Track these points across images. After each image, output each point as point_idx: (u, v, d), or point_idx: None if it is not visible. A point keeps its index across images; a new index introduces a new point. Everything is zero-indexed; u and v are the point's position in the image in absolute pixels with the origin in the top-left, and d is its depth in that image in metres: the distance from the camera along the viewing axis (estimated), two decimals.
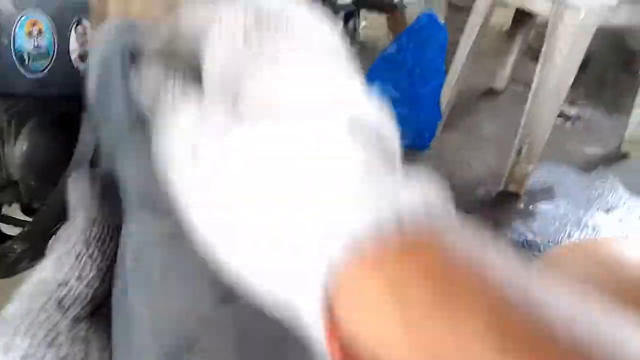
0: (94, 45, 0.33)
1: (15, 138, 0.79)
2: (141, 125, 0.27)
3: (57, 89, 0.71)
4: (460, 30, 2.04)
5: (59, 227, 0.87)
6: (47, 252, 0.25)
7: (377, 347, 0.18)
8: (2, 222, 0.97)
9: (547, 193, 1.90)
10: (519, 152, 1.78)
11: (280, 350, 0.24)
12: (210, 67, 0.23)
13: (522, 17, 2.37)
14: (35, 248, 0.88)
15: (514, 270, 0.18)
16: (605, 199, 1.91)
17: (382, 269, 0.18)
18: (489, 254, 0.19)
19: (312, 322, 0.20)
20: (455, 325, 0.17)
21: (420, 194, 0.20)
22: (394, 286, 0.18)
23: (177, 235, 0.25)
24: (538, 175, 1.95)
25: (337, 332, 0.19)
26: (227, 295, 0.24)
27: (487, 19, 1.93)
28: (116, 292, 0.26)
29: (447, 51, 1.95)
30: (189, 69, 0.25)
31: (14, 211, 0.99)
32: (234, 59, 0.23)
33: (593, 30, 1.64)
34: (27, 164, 0.80)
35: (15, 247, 0.84)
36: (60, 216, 0.85)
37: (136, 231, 0.25)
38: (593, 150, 2.21)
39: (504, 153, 1.88)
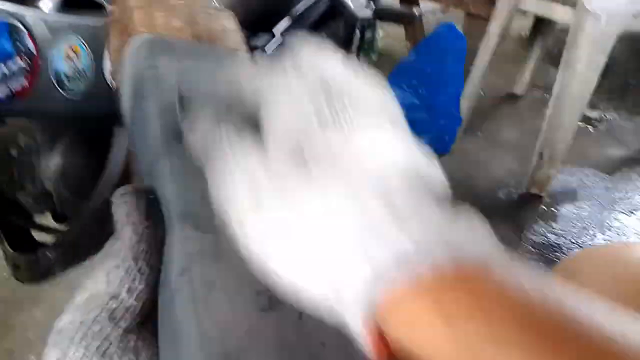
0: (125, 60, 0.33)
1: (50, 153, 0.84)
2: (177, 145, 0.28)
3: (92, 108, 0.74)
4: (479, 38, 2.05)
5: (89, 237, 0.91)
6: (95, 265, 0.27)
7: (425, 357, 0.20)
8: (35, 229, 1.01)
9: (569, 195, 1.89)
10: (541, 155, 1.77)
11: (319, 357, 0.25)
12: (274, 124, 0.25)
13: (541, 23, 2.37)
14: (66, 256, 0.92)
15: (554, 295, 0.20)
16: (629, 201, 1.89)
17: (432, 291, 0.20)
18: (531, 281, 0.20)
19: (357, 332, 0.22)
20: (501, 347, 0.18)
21: (469, 228, 0.22)
22: (444, 306, 0.20)
23: (219, 251, 0.26)
24: (561, 178, 1.94)
25: (384, 343, 0.21)
26: (269, 305, 0.25)
27: (506, 26, 1.93)
28: (162, 304, 0.26)
29: (466, 58, 1.95)
30: (243, 122, 0.27)
31: (46, 219, 1.03)
32: (300, 120, 0.25)
33: (614, 37, 1.63)
34: (61, 177, 0.84)
35: (49, 254, 0.89)
36: (92, 227, 0.89)
37: (180, 246, 0.26)
38: (615, 152, 2.19)
39: (525, 157, 1.88)
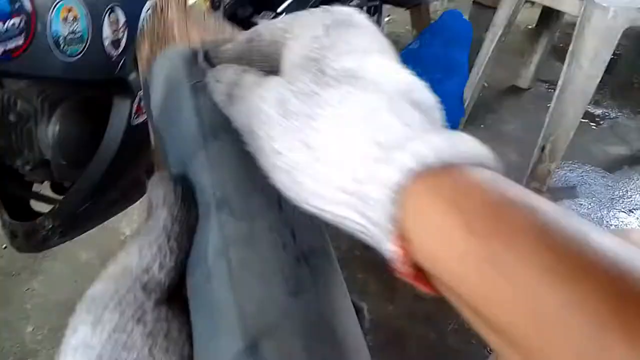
0: (157, 65, 0.35)
1: (48, 120, 0.83)
2: (213, 141, 0.31)
3: (89, 74, 0.73)
4: (485, 27, 2.04)
5: (87, 206, 0.90)
6: (129, 241, 0.28)
7: (444, 257, 0.21)
8: (33, 199, 1.01)
9: (569, 192, 1.89)
10: (542, 150, 1.77)
11: (339, 337, 0.27)
12: (292, 52, 0.28)
13: (548, 15, 2.35)
14: (64, 225, 0.91)
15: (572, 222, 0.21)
16: (629, 200, 1.89)
17: (442, 189, 0.22)
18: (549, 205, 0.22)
19: (381, 239, 0.24)
20: (512, 238, 0.19)
21: (469, 139, 0.24)
22: (456, 203, 0.21)
23: (253, 238, 0.28)
24: (561, 174, 1.94)
25: (406, 245, 0.22)
26: (296, 291, 0.27)
27: (513, 16, 1.92)
28: (196, 281, 0.28)
29: (471, 48, 1.94)
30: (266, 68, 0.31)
31: (45, 189, 1.02)
32: (316, 44, 0.27)
33: (621, 30, 1.62)
34: (58, 145, 0.83)
35: (46, 224, 0.88)
36: (89, 196, 0.89)
37: (217, 229, 0.28)
38: (617, 150, 2.19)
39: (526, 150, 1.87)
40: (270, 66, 0.30)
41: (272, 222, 0.29)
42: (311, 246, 0.30)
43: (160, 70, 0.35)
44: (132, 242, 0.28)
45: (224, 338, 0.26)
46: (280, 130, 0.26)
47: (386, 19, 2.87)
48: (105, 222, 0.99)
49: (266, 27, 0.31)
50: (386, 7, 2.35)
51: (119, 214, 1.02)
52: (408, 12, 2.57)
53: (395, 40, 2.88)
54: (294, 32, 0.29)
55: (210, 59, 0.34)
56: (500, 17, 1.90)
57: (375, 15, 2.58)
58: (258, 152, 0.28)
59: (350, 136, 0.24)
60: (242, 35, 0.32)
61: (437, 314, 1.37)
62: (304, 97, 0.26)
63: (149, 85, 0.36)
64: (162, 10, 0.38)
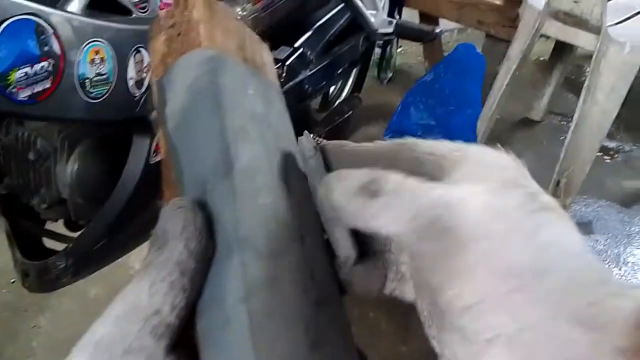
0: (180, 69, 0.32)
1: (67, 158, 0.82)
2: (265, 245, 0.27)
3: (112, 114, 0.72)
4: (498, 60, 2.03)
5: (102, 244, 0.88)
6: (137, 274, 0.25)
7: None
8: (47, 237, 0.99)
9: (584, 228, 1.86)
10: (557, 184, 1.75)
11: None
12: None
13: (562, 48, 2.35)
14: (77, 264, 0.89)
15: None
16: None
17: None
18: None
19: None
20: None
21: None
22: None
23: (277, 278, 0.26)
24: (576, 209, 1.91)
25: None
26: (315, 341, 0.25)
27: (528, 50, 1.92)
28: (209, 326, 0.26)
29: (484, 80, 1.94)
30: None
31: (57, 227, 1.01)
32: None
33: (638, 66, 1.61)
34: (76, 184, 0.82)
35: (59, 262, 0.86)
36: (104, 234, 0.87)
37: (239, 272, 0.25)
38: (633, 184, 2.16)
39: (540, 184, 1.85)
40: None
41: (296, 258, 0.27)
42: (327, 288, 0.28)
43: (183, 77, 0.32)
44: (142, 276, 0.25)
45: None
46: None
47: (398, 49, 2.89)
48: None
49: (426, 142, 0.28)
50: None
51: None
52: (420, 44, 2.59)
53: (407, 71, 2.90)
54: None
55: (325, 155, 0.31)
56: (515, 51, 1.89)
57: (388, 47, 2.60)
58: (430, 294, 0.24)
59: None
60: (382, 143, 0.29)
61: None
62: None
63: (164, 87, 0.32)
64: (186, 3, 0.34)
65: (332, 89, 2.05)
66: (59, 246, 0.92)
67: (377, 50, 2.56)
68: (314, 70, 1.44)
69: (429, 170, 0.26)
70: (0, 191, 0.85)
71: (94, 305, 1.38)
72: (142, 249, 1.47)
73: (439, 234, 0.23)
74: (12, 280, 1.41)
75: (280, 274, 0.26)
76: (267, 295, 0.25)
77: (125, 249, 0.97)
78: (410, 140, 0.28)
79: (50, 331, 1.33)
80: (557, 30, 1.88)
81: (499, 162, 0.26)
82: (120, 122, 0.78)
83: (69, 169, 0.77)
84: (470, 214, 0.23)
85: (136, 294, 0.24)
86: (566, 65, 2.42)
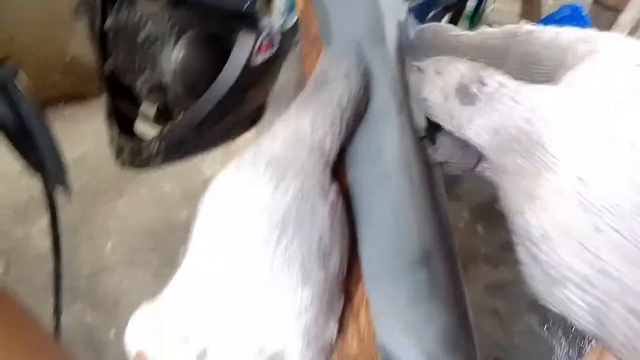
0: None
1: (174, 45, 0.84)
2: (408, 110, 0.28)
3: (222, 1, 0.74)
4: (603, 29, 1.91)
5: (193, 135, 0.92)
6: (294, 104, 0.25)
7: None
8: (140, 120, 1.04)
9: None
10: None
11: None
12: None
13: None
14: (168, 150, 0.94)
15: None
16: None
17: None
18: None
19: None
20: None
21: None
22: None
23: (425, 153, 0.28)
24: None
25: None
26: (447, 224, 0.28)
27: None
28: (367, 176, 0.27)
29: None
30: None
31: (151, 113, 1.06)
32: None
33: None
34: (180, 71, 0.85)
35: (152, 146, 0.91)
36: (196, 126, 0.90)
37: (398, 132, 0.27)
38: None
39: None
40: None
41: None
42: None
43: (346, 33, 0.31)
44: (302, 110, 0.25)
45: (399, 242, 0.25)
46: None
47: (490, 7, 2.75)
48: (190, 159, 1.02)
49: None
50: None
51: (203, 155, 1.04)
52: (516, 1, 2.44)
53: None
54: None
55: (421, 42, 0.29)
56: (626, 19, 1.77)
57: (484, 1, 2.47)
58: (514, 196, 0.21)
59: None
60: (491, 32, 0.26)
61: None
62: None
63: None
64: None
65: None
66: (151, 132, 0.96)
67: (471, 4, 2.44)
68: (415, 4, 1.42)
69: (546, 69, 0.23)
70: (105, 70, 0.89)
71: (167, 200, 1.47)
72: (216, 157, 1.53)
73: (526, 151, 0.20)
74: (94, 167, 1.51)
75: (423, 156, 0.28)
76: (420, 167, 0.27)
77: (208, 146, 1.01)
78: (525, 29, 0.24)
79: (126, 215, 1.43)
80: None
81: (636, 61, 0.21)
82: (227, 15, 0.79)
83: (174, 55, 0.80)
84: (567, 133, 0.19)
85: (300, 120, 0.24)
86: None
